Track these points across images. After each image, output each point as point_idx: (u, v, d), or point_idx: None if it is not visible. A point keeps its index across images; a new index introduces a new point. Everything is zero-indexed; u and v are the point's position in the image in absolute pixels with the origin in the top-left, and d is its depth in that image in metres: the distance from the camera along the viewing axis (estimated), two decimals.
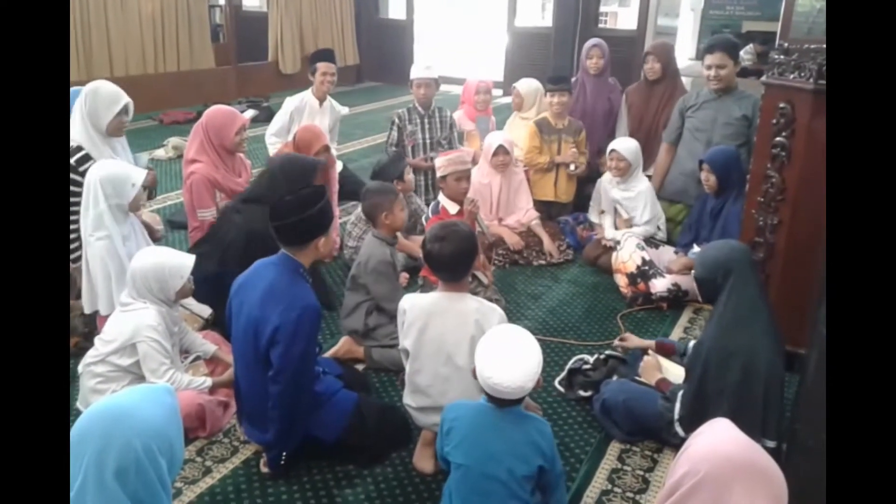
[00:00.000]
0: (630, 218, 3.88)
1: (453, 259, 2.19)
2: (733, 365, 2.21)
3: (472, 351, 2.08)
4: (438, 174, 3.50)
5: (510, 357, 1.79)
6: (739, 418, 2.10)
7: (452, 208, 3.48)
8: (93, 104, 2.97)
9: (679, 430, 2.34)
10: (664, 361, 2.71)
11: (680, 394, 2.38)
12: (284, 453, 2.23)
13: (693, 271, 2.45)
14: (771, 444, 2.19)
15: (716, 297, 2.30)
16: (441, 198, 3.54)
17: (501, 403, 1.83)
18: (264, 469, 2.29)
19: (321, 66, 4.57)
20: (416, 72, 4.48)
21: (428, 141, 4.51)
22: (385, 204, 2.97)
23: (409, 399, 2.31)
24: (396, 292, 2.95)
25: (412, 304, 2.26)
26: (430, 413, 2.25)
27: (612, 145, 3.91)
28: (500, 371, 1.76)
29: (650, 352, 2.75)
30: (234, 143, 3.40)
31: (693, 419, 2.26)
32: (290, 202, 2.17)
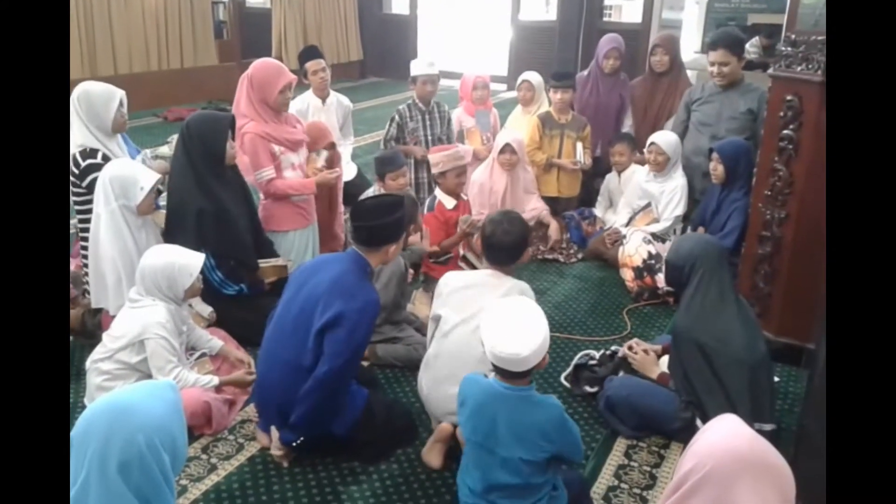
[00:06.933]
0: (656, 217, 3.83)
1: (514, 245, 2.37)
2: (708, 353, 2.28)
3: None
4: (437, 170, 3.47)
5: (515, 326, 1.79)
6: (735, 405, 2.18)
7: (449, 203, 3.47)
8: (89, 106, 2.85)
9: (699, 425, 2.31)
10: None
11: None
12: (301, 438, 2.23)
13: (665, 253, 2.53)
14: (768, 427, 2.20)
15: (680, 284, 2.42)
16: (438, 192, 3.52)
17: (507, 375, 1.83)
18: (276, 452, 2.29)
19: (310, 66, 4.51)
20: (420, 68, 4.41)
21: (429, 137, 4.46)
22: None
23: (423, 375, 2.34)
24: (401, 300, 2.99)
25: (453, 276, 2.45)
26: (445, 384, 2.25)
27: (652, 138, 3.85)
28: (503, 339, 1.77)
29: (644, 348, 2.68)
30: (277, 101, 3.21)
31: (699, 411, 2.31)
32: (372, 206, 2.31)
